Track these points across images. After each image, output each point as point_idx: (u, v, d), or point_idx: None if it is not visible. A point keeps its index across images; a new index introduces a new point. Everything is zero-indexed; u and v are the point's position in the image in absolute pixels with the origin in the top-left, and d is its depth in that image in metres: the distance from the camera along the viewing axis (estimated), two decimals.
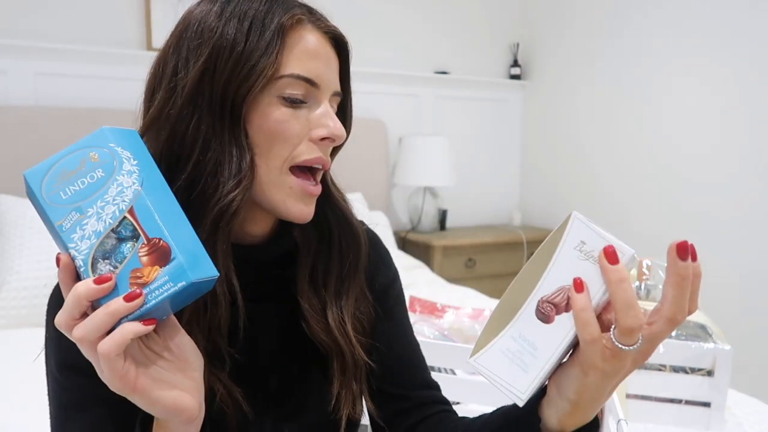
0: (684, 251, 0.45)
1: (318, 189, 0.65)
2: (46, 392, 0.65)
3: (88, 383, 0.61)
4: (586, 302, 0.47)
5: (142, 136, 0.61)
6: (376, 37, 3.03)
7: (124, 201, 0.48)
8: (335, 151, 0.69)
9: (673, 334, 1.24)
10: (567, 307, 0.49)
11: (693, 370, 1.19)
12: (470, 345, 1.22)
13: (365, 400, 0.73)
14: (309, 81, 0.61)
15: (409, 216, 3.16)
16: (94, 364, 0.48)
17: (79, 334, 0.46)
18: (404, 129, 3.10)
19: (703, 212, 2.59)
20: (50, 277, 0.66)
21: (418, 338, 0.81)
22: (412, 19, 3.13)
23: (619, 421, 0.82)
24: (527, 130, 3.52)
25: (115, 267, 0.47)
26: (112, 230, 0.48)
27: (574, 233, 0.49)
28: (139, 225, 0.48)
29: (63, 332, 0.48)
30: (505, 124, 3.49)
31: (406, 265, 2.56)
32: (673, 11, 2.67)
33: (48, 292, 0.64)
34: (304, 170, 0.64)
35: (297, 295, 0.69)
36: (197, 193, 0.59)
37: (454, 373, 1.21)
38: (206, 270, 0.50)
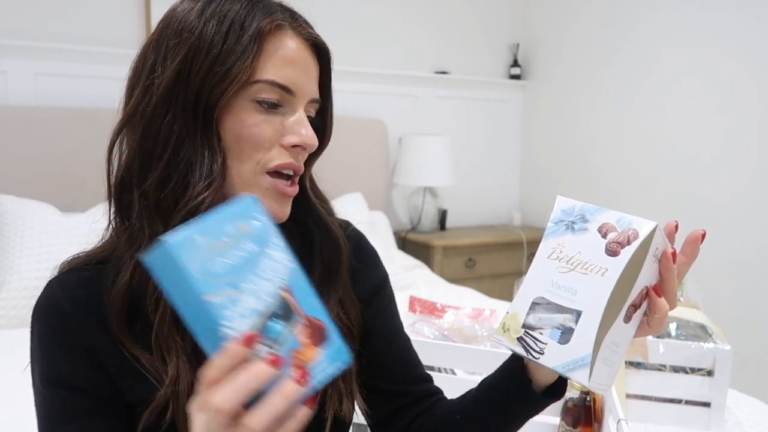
0: (703, 238, 0.57)
1: (293, 190, 0.65)
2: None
3: (72, 396, 0.61)
4: (667, 304, 0.55)
5: (119, 133, 0.63)
6: (376, 38, 3.03)
7: (279, 278, 0.46)
8: (314, 157, 0.70)
9: (673, 334, 1.25)
10: (640, 304, 0.54)
11: (693, 370, 1.19)
12: (470, 345, 1.22)
13: (358, 401, 0.74)
14: (284, 88, 0.61)
15: (409, 216, 3.16)
16: None
17: (260, 425, 0.41)
18: (404, 129, 3.10)
19: (704, 212, 2.59)
20: (50, 277, 0.65)
21: (418, 338, 0.82)
22: (412, 19, 3.13)
23: (619, 421, 0.82)
24: (527, 130, 3.52)
25: (270, 346, 0.44)
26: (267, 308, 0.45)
27: (654, 243, 0.53)
28: (295, 304, 0.46)
29: (222, 415, 0.41)
30: (505, 124, 3.49)
31: (406, 265, 2.56)
32: (674, 10, 2.67)
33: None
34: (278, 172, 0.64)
35: None
36: (167, 192, 0.59)
37: (454, 373, 1.21)
38: (348, 351, 0.49)
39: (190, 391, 0.60)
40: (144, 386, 0.61)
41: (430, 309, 1.80)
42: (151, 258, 0.43)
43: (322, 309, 0.48)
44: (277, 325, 0.45)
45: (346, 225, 0.79)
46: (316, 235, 0.72)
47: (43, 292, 0.63)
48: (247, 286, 0.44)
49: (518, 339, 0.55)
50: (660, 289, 0.55)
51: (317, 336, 0.46)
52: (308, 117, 0.65)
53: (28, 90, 2.24)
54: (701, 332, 1.25)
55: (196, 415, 0.43)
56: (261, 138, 0.61)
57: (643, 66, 2.82)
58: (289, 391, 0.43)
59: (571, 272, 0.53)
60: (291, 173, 0.64)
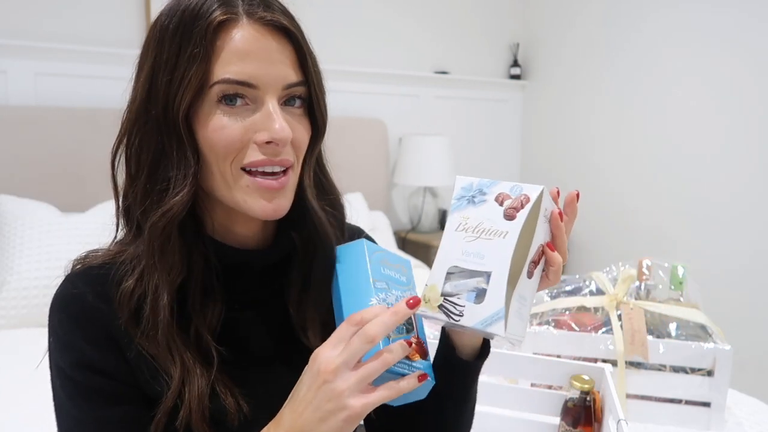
0: (577, 198, 0.63)
1: (279, 182, 0.62)
2: (51, 398, 0.64)
3: (103, 382, 0.61)
4: (560, 257, 0.62)
5: (119, 145, 0.65)
6: (376, 38, 3.03)
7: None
8: (311, 147, 0.66)
9: (673, 334, 1.24)
10: (539, 260, 0.61)
11: (693, 370, 1.19)
12: None
13: None
14: (242, 83, 0.58)
15: (409, 216, 3.16)
16: (351, 354, 0.53)
17: (377, 330, 0.53)
18: (404, 129, 3.10)
19: (704, 212, 2.59)
20: (50, 277, 0.66)
21: None
22: (412, 19, 3.13)
23: (619, 421, 0.82)
24: (527, 130, 3.52)
25: (392, 335, 0.58)
26: None
27: (544, 205, 0.60)
28: (415, 322, 0.61)
29: (373, 339, 0.53)
30: (505, 124, 3.49)
31: None
32: (674, 10, 2.67)
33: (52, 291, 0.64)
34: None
35: (287, 301, 0.69)
36: (147, 207, 0.62)
37: None
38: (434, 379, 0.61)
39: (200, 391, 0.60)
40: (158, 383, 0.62)
41: None
42: (344, 247, 0.64)
43: (424, 335, 0.62)
44: (401, 328, 0.59)
45: (359, 232, 0.79)
46: (313, 234, 0.69)
47: (62, 285, 0.64)
48: (394, 292, 0.61)
49: (439, 307, 0.60)
50: (553, 245, 0.62)
51: (420, 350, 0.59)
52: (291, 104, 0.63)
53: (28, 90, 2.24)
54: (701, 332, 1.25)
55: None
56: (230, 140, 0.59)
57: (643, 66, 2.82)
58: (400, 307, 0.55)
59: (477, 240, 0.60)
60: (275, 169, 0.62)
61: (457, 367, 0.71)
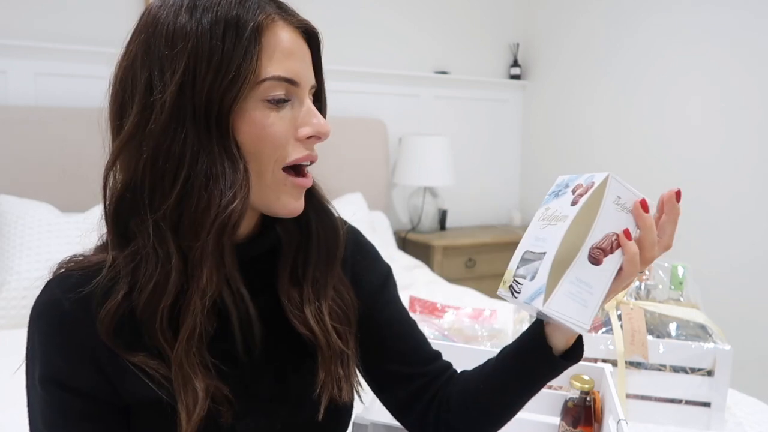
0: (679, 197, 0.61)
1: (309, 181, 0.66)
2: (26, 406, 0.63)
3: (71, 398, 0.60)
4: (636, 247, 0.60)
5: (119, 154, 0.61)
6: (376, 38, 3.03)
7: None
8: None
9: (673, 334, 1.25)
10: (612, 250, 0.61)
11: (693, 370, 1.19)
12: (470, 345, 1.22)
13: (369, 385, 0.77)
14: (290, 81, 0.61)
15: (409, 216, 3.16)
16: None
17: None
18: (404, 129, 3.10)
19: (705, 212, 2.59)
20: (47, 278, 0.65)
21: None
22: (412, 19, 3.13)
23: (619, 421, 0.82)
24: (527, 130, 3.52)
25: None
26: None
27: (612, 191, 0.60)
28: None
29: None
30: (505, 124, 3.49)
31: (406, 265, 2.56)
32: (674, 10, 2.67)
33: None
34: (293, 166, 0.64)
35: (278, 290, 0.69)
36: (192, 209, 0.58)
37: None
38: None
39: (202, 394, 0.60)
40: (142, 386, 0.61)
41: (431, 309, 1.80)
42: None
43: None
44: None
45: (342, 222, 0.79)
46: (313, 221, 0.71)
47: (42, 293, 0.62)
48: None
49: (509, 287, 0.64)
50: (640, 238, 0.61)
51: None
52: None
53: (28, 90, 2.24)
54: (701, 332, 1.25)
55: None
56: (278, 136, 0.61)
57: (643, 66, 2.82)
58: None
59: (547, 227, 0.63)
60: (308, 164, 0.65)
61: (547, 362, 0.69)
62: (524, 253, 0.64)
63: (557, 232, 0.61)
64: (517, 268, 0.64)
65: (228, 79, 0.57)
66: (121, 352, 0.60)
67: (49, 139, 2.13)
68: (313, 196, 0.71)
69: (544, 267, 0.60)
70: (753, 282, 2.43)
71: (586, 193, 0.61)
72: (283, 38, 0.61)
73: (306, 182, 0.65)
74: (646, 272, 1.32)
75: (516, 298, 0.63)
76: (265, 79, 0.59)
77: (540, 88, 3.40)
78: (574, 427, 0.97)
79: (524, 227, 3.51)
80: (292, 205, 0.65)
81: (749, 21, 2.40)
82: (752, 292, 2.42)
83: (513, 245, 2.99)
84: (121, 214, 0.62)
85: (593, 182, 0.61)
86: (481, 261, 3.01)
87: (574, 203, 0.61)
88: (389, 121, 3.03)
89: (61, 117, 2.18)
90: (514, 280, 0.64)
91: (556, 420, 1.02)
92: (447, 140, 2.98)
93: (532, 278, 0.61)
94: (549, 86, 3.35)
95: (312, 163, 0.66)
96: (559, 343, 0.68)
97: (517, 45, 3.42)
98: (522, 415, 1.09)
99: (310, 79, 0.64)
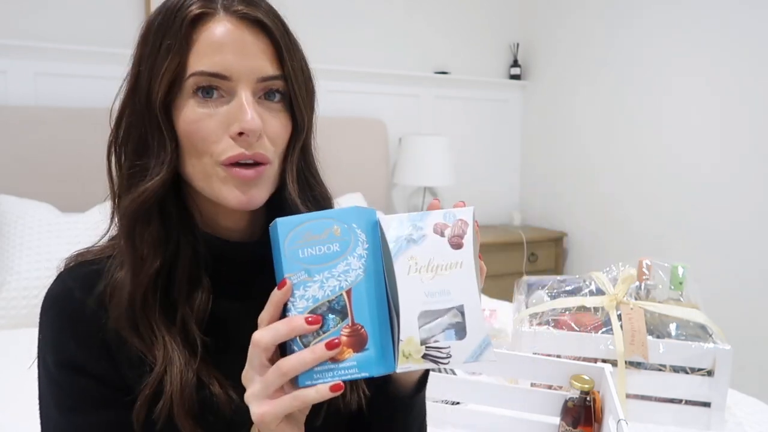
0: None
1: (251, 173, 0.61)
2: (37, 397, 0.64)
3: (87, 384, 0.61)
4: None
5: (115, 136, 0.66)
6: (376, 38, 3.03)
7: (346, 280, 0.53)
8: (291, 146, 0.66)
9: (673, 334, 1.24)
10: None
11: (693, 370, 1.19)
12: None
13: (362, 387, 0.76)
14: (216, 75, 0.59)
15: None
16: (256, 362, 0.52)
17: (289, 367, 0.50)
18: (404, 129, 3.10)
19: (704, 212, 2.59)
20: (50, 277, 0.66)
21: None
22: (413, 19, 3.13)
23: (619, 421, 0.82)
24: (527, 130, 3.52)
25: (318, 334, 0.52)
26: (328, 301, 0.53)
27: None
28: (350, 306, 0.53)
29: (256, 347, 0.51)
30: (505, 124, 3.49)
31: None
32: (674, 10, 2.67)
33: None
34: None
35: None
36: (125, 192, 0.63)
37: (454, 374, 1.21)
38: (387, 367, 0.54)
39: (183, 381, 0.60)
40: (147, 377, 0.61)
41: None
42: (270, 230, 0.54)
43: (373, 320, 0.53)
44: (331, 319, 0.53)
45: None
46: None
47: (54, 283, 0.64)
48: (318, 276, 0.53)
49: (423, 357, 0.57)
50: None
51: (356, 341, 0.52)
52: (271, 99, 0.63)
53: (28, 90, 2.24)
54: (701, 332, 1.25)
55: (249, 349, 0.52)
56: (206, 132, 0.60)
57: (643, 66, 2.82)
58: (317, 350, 0.50)
59: (436, 278, 0.57)
60: (250, 162, 0.61)
61: (397, 402, 0.69)
62: (419, 315, 0.56)
63: (463, 279, 0.57)
64: (419, 333, 0.56)
65: (157, 74, 0.60)
66: (131, 338, 0.62)
67: (49, 139, 2.13)
68: (289, 208, 0.67)
69: (475, 318, 0.56)
70: (753, 282, 2.43)
71: (464, 233, 0.57)
72: (215, 31, 0.60)
73: (246, 173, 0.61)
74: (646, 272, 1.32)
75: (446, 364, 0.57)
76: (191, 75, 0.59)
77: (540, 88, 3.40)
78: (574, 427, 0.97)
79: (524, 227, 3.52)
80: (232, 196, 0.62)
81: (750, 22, 2.40)
82: (752, 292, 2.43)
83: (513, 245, 2.97)
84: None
85: (460, 219, 0.58)
86: None
87: (456, 246, 0.57)
88: (389, 121, 3.03)
89: (61, 117, 2.18)
90: (427, 347, 0.56)
91: (556, 420, 1.02)
92: (447, 140, 2.98)
93: (459, 336, 0.56)
94: (549, 86, 3.35)
95: (258, 163, 0.62)
96: (407, 381, 0.69)
97: (517, 45, 3.42)
98: (522, 415, 1.09)
99: (250, 71, 0.60)
